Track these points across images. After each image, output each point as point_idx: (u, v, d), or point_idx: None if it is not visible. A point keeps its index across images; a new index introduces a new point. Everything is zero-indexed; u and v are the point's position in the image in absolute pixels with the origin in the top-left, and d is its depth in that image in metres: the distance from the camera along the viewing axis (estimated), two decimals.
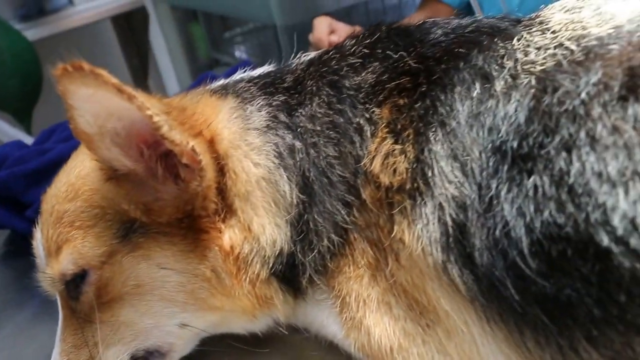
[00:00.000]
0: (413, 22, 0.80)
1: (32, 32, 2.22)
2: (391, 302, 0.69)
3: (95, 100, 0.61)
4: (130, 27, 2.89)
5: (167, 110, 0.67)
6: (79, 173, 0.76)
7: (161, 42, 3.23)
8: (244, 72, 0.86)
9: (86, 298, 0.73)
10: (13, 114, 2.18)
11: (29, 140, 1.77)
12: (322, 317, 0.77)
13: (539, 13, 0.70)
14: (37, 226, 0.80)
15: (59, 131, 1.41)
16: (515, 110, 0.58)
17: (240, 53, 3.13)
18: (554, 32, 0.63)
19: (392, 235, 0.66)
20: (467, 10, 1.77)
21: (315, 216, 0.71)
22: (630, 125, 0.51)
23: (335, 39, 1.47)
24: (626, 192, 0.50)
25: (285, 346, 0.84)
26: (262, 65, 0.88)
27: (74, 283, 0.73)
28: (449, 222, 0.61)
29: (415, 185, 0.64)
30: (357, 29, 1.52)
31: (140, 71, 2.96)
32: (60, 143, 1.31)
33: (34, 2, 2.41)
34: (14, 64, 2.04)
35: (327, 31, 1.52)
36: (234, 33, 3.20)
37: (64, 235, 0.73)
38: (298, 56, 0.84)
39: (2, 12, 2.27)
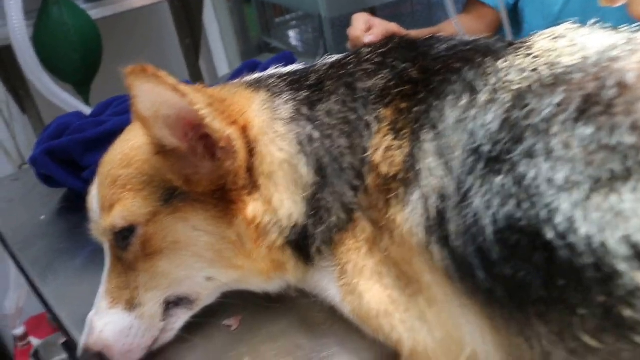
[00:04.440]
0: (437, 31, 0.90)
1: (95, 12, 2.33)
2: (383, 272, 0.78)
3: (153, 93, 0.74)
4: (186, 9, 2.96)
5: (210, 102, 0.77)
6: (132, 145, 0.87)
7: (214, 24, 3.29)
8: (276, 68, 0.97)
9: (132, 249, 0.85)
10: (74, 86, 2.33)
11: (87, 110, 1.90)
12: (324, 282, 0.86)
13: (530, 38, 0.78)
14: (93, 185, 0.92)
15: (114, 105, 1.51)
16: (491, 120, 0.67)
17: (290, 39, 3.19)
18: (534, 57, 0.72)
19: (388, 216, 0.76)
20: (513, 14, 1.77)
21: (327, 196, 0.82)
22: (577, 142, 0.59)
23: (371, 37, 1.49)
24: (568, 197, 0.58)
25: (295, 307, 0.93)
26: (307, 52, 1.00)
27: (122, 235, 0.85)
28: (432, 209, 0.70)
29: (408, 175, 0.73)
30: (393, 25, 1.56)
31: (192, 51, 3.03)
32: (115, 116, 1.42)
33: None
34: (78, 40, 2.15)
35: (364, 28, 1.53)
36: (284, 19, 3.25)
37: (117, 195, 0.85)
38: (323, 58, 0.95)
39: None
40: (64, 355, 1.79)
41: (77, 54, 2.22)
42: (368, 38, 1.51)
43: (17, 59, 2.12)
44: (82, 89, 2.37)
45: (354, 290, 0.81)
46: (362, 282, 0.80)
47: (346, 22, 1.65)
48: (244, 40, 3.42)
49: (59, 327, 1.05)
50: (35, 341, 2.26)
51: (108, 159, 0.90)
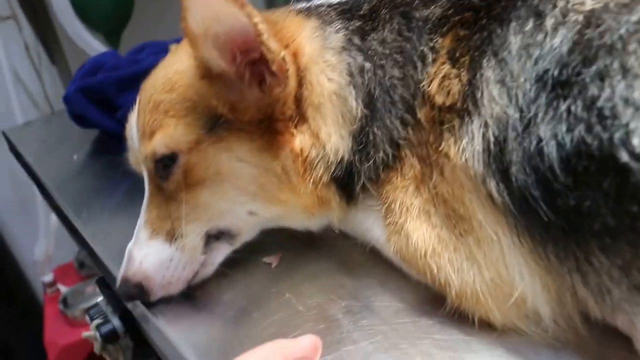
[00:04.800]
0: None
1: None
2: (431, 211, 0.75)
3: (207, 5, 0.70)
4: None
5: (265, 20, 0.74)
6: (176, 69, 0.84)
7: None
8: None
9: (173, 178, 0.82)
10: (105, 35, 2.32)
11: None
12: (369, 221, 0.84)
13: None
14: (132, 112, 0.89)
15: (148, 47, 1.49)
16: (560, 43, 0.64)
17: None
18: None
19: (440, 150, 0.73)
20: None
21: (375, 130, 0.79)
22: None
23: None
24: None
25: (335, 248, 0.92)
26: None
27: (163, 163, 0.82)
28: (491, 140, 0.67)
29: (465, 105, 0.70)
30: None
31: None
32: (152, 56, 1.40)
33: None
34: None
35: None
36: None
37: (158, 122, 0.82)
38: None
39: None
40: (91, 302, 1.80)
41: (109, 1, 2.20)
42: None
43: (48, 6, 2.10)
44: (112, 38, 2.35)
45: (400, 229, 0.78)
46: (409, 221, 0.77)
47: None
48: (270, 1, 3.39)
49: (95, 262, 1.04)
50: (63, 288, 2.30)
51: (150, 83, 0.87)
